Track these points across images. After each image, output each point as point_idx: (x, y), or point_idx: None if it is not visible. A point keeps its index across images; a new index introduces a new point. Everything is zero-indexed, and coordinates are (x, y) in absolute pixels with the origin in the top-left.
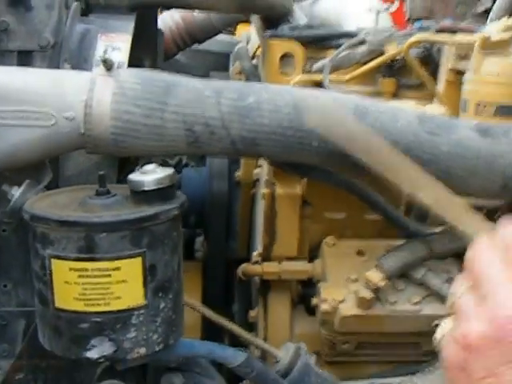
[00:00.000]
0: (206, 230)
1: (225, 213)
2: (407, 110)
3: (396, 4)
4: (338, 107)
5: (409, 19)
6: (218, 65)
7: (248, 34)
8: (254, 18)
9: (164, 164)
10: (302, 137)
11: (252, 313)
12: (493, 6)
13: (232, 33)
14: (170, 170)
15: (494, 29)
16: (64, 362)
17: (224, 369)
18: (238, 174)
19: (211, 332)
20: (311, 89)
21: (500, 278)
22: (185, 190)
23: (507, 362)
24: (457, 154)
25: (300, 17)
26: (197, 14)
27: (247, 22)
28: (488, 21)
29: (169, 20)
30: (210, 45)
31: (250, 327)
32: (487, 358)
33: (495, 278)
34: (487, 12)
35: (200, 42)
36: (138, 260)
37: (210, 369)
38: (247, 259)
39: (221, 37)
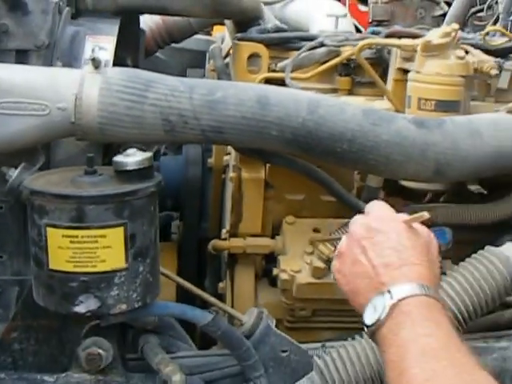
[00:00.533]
0: (182, 212)
1: (198, 196)
2: (353, 104)
3: (362, 8)
4: (293, 101)
5: (371, 22)
6: (195, 62)
7: (222, 35)
8: (227, 22)
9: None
10: (263, 127)
11: (221, 284)
12: (449, 10)
13: (209, 33)
14: (148, 154)
15: (434, 34)
16: (54, 322)
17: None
18: (211, 160)
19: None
20: (273, 86)
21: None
22: (162, 176)
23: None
24: (395, 142)
25: (270, 19)
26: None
27: (223, 23)
28: (444, 24)
29: (149, 20)
30: (187, 43)
31: (220, 299)
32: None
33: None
34: (444, 15)
35: (178, 41)
36: (121, 229)
37: (183, 333)
38: (218, 238)
39: (198, 36)
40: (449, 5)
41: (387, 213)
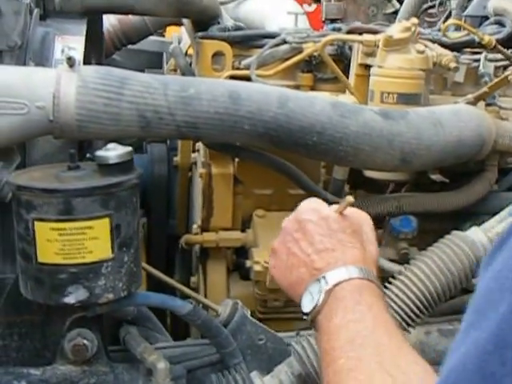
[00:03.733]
0: (148, 210)
1: (165, 194)
2: (322, 97)
3: (313, 6)
4: (264, 96)
5: (324, 20)
6: (152, 63)
7: (179, 36)
8: (186, 21)
9: None
10: (236, 121)
11: (193, 279)
12: (401, 7)
13: (162, 34)
14: (128, 148)
15: (395, 29)
16: (37, 317)
17: None
18: (177, 159)
19: None
20: (242, 81)
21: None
22: None
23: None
24: (363, 133)
25: (226, 18)
26: (132, 17)
27: (176, 24)
28: (396, 21)
29: (106, 22)
30: (143, 45)
31: None
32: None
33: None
34: (396, 13)
35: (134, 42)
36: (107, 220)
37: (159, 324)
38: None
39: (153, 38)
40: (400, 2)
41: (314, 204)
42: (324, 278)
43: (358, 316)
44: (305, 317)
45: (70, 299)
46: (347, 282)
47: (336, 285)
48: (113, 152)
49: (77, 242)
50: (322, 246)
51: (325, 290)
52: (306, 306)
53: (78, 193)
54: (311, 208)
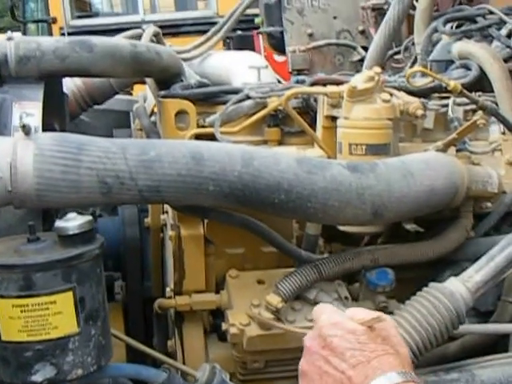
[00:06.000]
0: (124, 272)
1: (139, 256)
2: (287, 154)
3: (282, 58)
4: (227, 155)
5: (291, 72)
6: (120, 122)
7: (144, 94)
8: (149, 80)
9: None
10: (200, 183)
11: (170, 342)
12: (366, 55)
13: (129, 93)
14: (88, 217)
15: (358, 79)
16: None
17: None
18: (147, 220)
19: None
20: (205, 141)
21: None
22: None
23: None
24: (332, 189)
25: (191, 75)
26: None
27: (143, 82)
28: (363, 68)
29: (71, 84)
30: (111, 104)
31: (170, 357)
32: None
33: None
34: (362, 60)
35: (100, 102)
36: (70, 294)
37: None
38: (162, 296)
39: (120, 96)
40: (365, 49)
41: (336, 317)
42: None
43: None
44: None
45: (38, 377)
46: None
47: None
48: (73, 222)
49: (40, 318)
50: (355, 359)
51: None
52: None
53: (38, 267)
54: (333, 322)
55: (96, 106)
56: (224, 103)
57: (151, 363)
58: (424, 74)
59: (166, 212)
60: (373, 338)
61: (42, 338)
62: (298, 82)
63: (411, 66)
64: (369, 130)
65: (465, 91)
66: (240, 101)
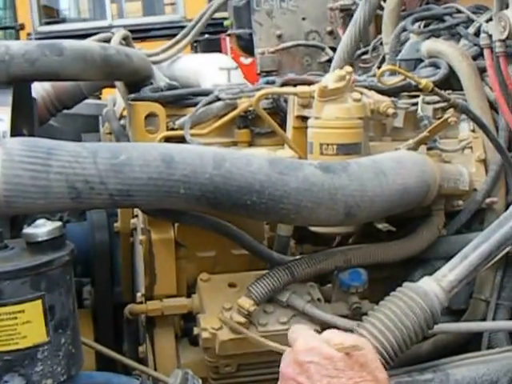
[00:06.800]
0: (93, 278)
1: (108, 261)
2: (259, 155)
3: (250, 59)
4: (198, 157)
5: (260, 73)
6: (89, 127)
7: (114, 98)
8: (118, 83)
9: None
10: (171, 186)
11: (141, 348)
12: (334, 55)
13: (98, 97)
14: (58, 223)
15: (329, 79)
16: None
17: None
18: (117, 225)
19: (105, 369)
20: (175, 144)
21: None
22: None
23: None
24: (304, 189)
25: (160, 78)
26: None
27: (112, 86)
28: (331, 69)
29: (40, 88)
30: (79, 109)
31: (141, 363)
32: None
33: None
34: (330, 61)
35: (70, 107)
36: (39, 302)
37: None
38: (132, 302)
39: (89, 101)
40: (334, 50)
41: (313, 341)
42: None
43: None
44: None
45: None
46: None
47: None
48: (42, 229)
49: (9, 328)
50: None
51: None
52: None
53: (6, 276)
54: (309, 348)
55: (65, 111)
56: (194, 105)
57: (121, 370)
58: (393, 73)
59: (136, 216)
60: (350, 365)
61: (10, 348)
62: (268, 82)
63: (379, 66)
64: (340, 129)
65: (436, 89)
66: (210, 102)
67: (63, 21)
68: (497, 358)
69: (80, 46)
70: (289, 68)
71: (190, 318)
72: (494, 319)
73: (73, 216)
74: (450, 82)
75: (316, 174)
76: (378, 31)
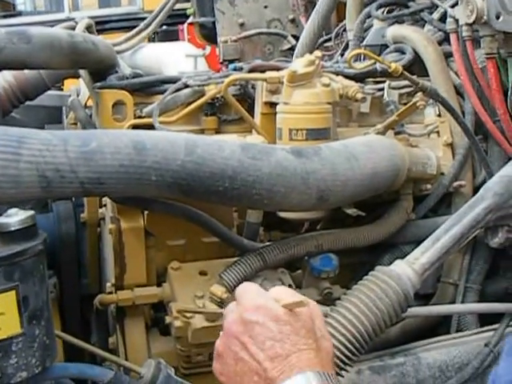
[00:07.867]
0: (59, 269)
1: (75, 252)
2: (231, 141)
3: (208, 49)
4: (170, 144)
5: (222, 61)
6: (51, 118)
7: (77, 88)
8: (83, 72)
9: None
10: (143, 173)
11: (111, 339)
12: (297, 43)
13: (60, 88)
14: (30, 212)
15: (298, 64)
16: None
17: None
18: (83, 215)
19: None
20: (147, 131)
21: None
22: None
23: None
24: (277, 174)
25: (124, 67)
26: (28, 72)
27: (74, 76)
28: (294, 57)
29: (1, 79)
30: (42, 100)
31: (111, 353)
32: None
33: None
34: (292, 49)
35: (32, 98)
36: (12, 293)
37: None
38: (100, 293)
39: (51, 92)
40: (296, 38)
41: (260, 300)
42: None
43: None
44: None
45: None
46: None
47: None
48: (14, 218)
49: None
50: (274, 351)
51: None
52: None
53: None
54: (256, 306)
55: (27, 102)
56: (161, 93)
57: (90, 361)
58: (359, 59)
59: (105, 205)
60: (296, 330)
61: None
62: (235, 69)
63: (342, 53)
64: (309, 114)
65: (406, 73)
66: (178, 90)
67: (19, 14)
68: (467, 340)
69: (48, 33)
70: (251, 56)
71: (159, 308)
72: (462, 302)
73: (36, 207)
74: (416, 67)
75: (288, 158)
76: (340, 19)
